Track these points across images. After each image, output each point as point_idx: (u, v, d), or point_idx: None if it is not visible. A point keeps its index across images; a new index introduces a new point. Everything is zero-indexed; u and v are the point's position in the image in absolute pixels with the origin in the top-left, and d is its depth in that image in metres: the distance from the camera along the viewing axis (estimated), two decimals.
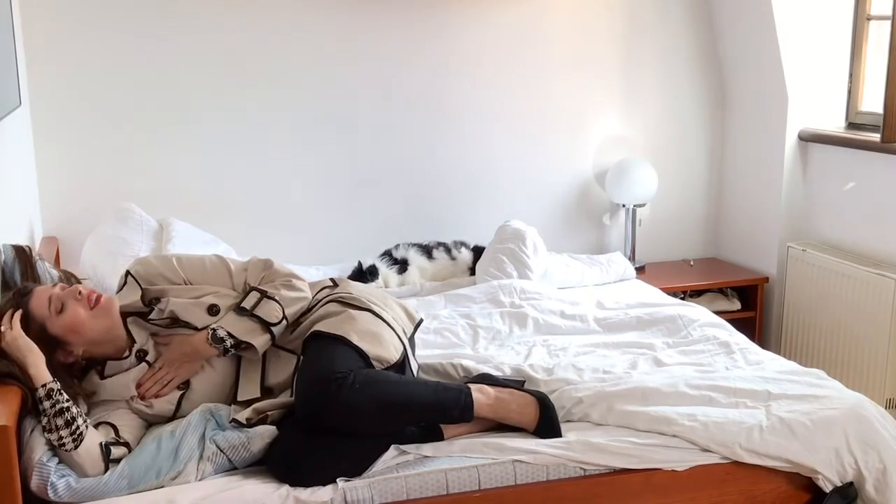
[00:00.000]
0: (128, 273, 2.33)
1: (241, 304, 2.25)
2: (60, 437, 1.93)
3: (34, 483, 1.90)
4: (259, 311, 2.24)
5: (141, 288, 2.29)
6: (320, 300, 2.37)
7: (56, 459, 1.95)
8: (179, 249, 3.11)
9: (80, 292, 2.14)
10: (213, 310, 2.26)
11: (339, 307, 2.30)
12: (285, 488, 1.97)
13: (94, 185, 3.47)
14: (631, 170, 3.85)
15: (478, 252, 3.63)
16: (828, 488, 2.15)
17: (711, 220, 4.19)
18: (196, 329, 2.24)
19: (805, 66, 3.64)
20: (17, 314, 2.06)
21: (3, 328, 2.02)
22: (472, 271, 3.56)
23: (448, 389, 2.18)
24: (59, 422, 1.94)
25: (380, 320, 2.29)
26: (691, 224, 4.18)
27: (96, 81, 3.43)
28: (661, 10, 3.94)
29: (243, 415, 2.11)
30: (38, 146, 3.40)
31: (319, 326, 2.23)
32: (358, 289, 2.44)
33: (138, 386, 2.21)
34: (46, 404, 1.95)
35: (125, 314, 2.25)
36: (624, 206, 3.96)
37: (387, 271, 3.45)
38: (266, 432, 2.06)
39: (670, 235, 4.14)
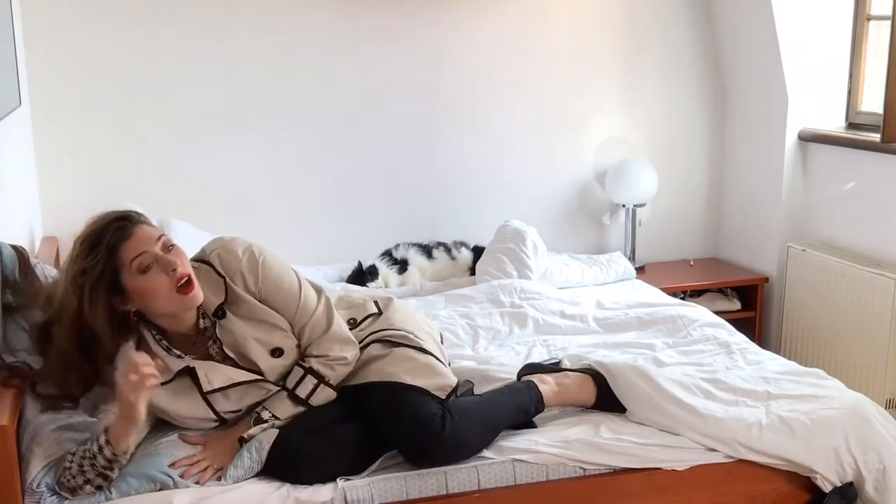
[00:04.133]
0: (207, 261, 2.12)
1: (296, 391, 2.11)
2: (86, 482, 1.88)
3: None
4: (314, 400, 2.12)
5: (225, 286, 2.09)
6: (364, 339, 2.25)
7: (49, 490, 1.89)
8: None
9: (174, 269, 1.97)
10: (276, 353, 2.13)
11: (383, 348, 2.22)
12: (286, 488, 1.98)
13: (94, 185, 3.47)
14: (631, 170, 3.85)
15: (478, 252, 3.63)
16: (827, 488, 2.15)
17: (711, 220, 4.19)
18: (249, 368, 2.10)
19: (805, 66, 3.64)
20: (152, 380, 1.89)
21: (147, 371, 1.87)
22: (472, 271, 3.56)
23: (519, 390, 2.24)
24: (93, 475, 1.88)
25: (426, 354, 2.22)
26: (691, 224, 4.17)
27: (96, 81, 3.43)
28: (662, 10, 3.94)
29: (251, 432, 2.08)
30: (38, 146, 3.40)
31: (371, 375, 2.16)
32: (401, 318, 2.32)
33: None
34: (100, 460, 1.87)
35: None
36: (624, 206, 3.96)
37: (387, 271, 3.45)
38: (268, 438, 2.05)
39: (670, 235, 4.14)
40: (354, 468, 2.04)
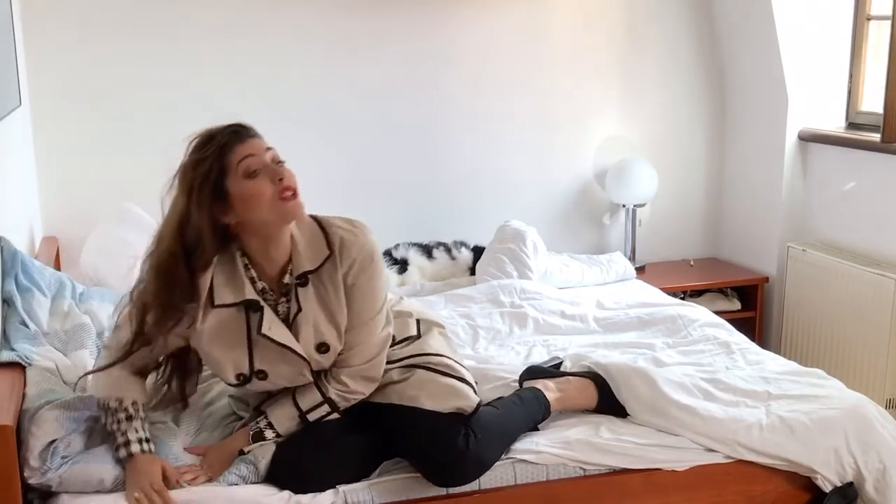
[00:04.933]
0: (326, 229, 2.07)
1: (307, 413, 2.06)
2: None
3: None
4: (317, 421, 2.07)
5: (325, 261, 2.03)
6: (394, 361, 2.17)
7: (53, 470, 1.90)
8: None
9: (281, 178, 1.95)
10: (321, 348, 2.06)
11: (405, 372, 2.15)
12: (287, 490, 1.98)
13: (94, 185, 3.47)
14: (631, 170, 3.85)
15: (478, 252, 3.63)
16: (827, 488, 2.15)
17: (711, 220, 4.19)
18: (288, 348, 2.03)
19: (805, 66, 3.64)
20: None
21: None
22: (472, 271, 3.56)
23: (530, 402, 2.24)
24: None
25: (448, 376, 2.14)
26: (691, 224, 4.17)
27: (96, 81, 3.43)
28: (661, 10, 3.94)
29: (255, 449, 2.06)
30: (38, 146, 3.40)
31: (393, 397, 2.11)
32: (437, 344, 2.24)
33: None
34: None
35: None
36: (624, 206, 3.96)
37: (387, 271, 3.45)
38: (266, 453, 2.03)
39: (670, 235, 4.14)
40: (356, 479, 2.04)
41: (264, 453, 2.03)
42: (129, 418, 1.98)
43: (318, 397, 2.07)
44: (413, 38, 3.71)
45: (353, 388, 2.09)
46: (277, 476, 2.01)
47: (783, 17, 3.59)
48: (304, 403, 2.07)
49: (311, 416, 2.07)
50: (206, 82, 3.53)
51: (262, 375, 2.05)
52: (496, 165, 3.89)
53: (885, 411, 2.30)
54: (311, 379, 2.08)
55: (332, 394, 2.07)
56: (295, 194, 1.97)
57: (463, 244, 3.67)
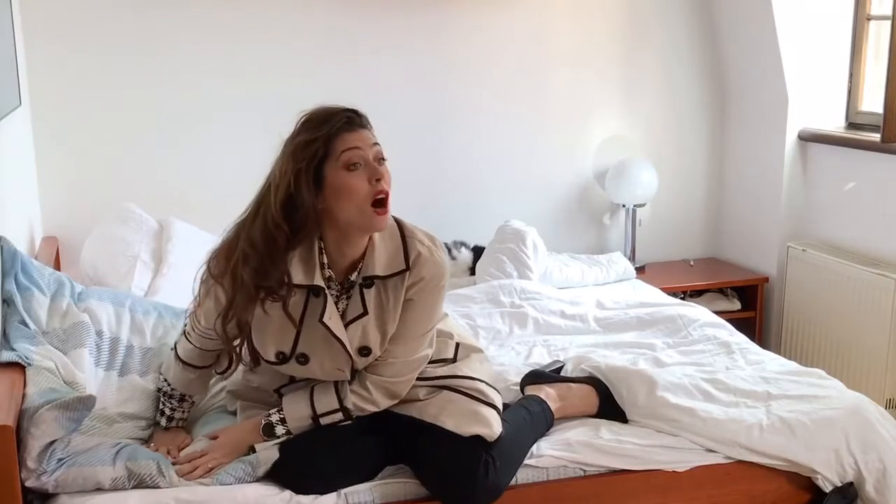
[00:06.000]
0: (407, 239, 2.05)
1: (320, 416, 2.04)
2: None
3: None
4: (329, 424, 2.06)
5: (398, 272, 2.03)
6: (423, 378, 2.14)
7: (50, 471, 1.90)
8: (179, 249, 3.12)
9: (378, 179, 1.94)
10: (363, 351, 2.05)
11: (430, 392, 2.13)
12: (288, 491, 1.97)
13: (94, 184, 3.47)
14: (631, 170, 3.85)
15: (478, 252, 3.63)
16: (827, 488, 2.15)
17: (711, 220, 4.19)
18: (340, 342, 2.03)
19: (805, 66, 3.64)
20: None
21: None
22: (472, 271, 3.56)
23: (537, 415, 2.22)
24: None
25: (474, 400, 2.10)
26: (691, 224, 4.17)
27: (96, 81, 3.43)
28: (661, 10, 3.94)
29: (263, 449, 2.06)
30: (38, 146, 3.40)
31: (413, 412, 2.09)
32: (473, 369, 2.20)
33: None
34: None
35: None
36: (624, 206, 3.95)
37: None
38: (269, 458, 2.02)
39: (670, 235, 4.14)
40: (358, 482, 2.03)
41: (266, 460, 2.02)
42: (180, 399, 2.22)
43: (335, 403, 2.05)
44: (413, 38, 3.71)
45: (373, 399, 2.07)
46: (279, 475, 2.00)
47: (783, 17, 3.58)
48: (320, 406, 2.05)
49: (324, 421, 2.06)
50: (206, 82, 3.53)
51: (303, 360, 2.04)
52: (496, 165, 3.89)
53: (885, 411, 2.30)
54: (348, 377, 2.06)
55: (349, 403, 2.05)
56: (385, 201, 1.96)
57: (463, 244, 3.67)
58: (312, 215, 1.95)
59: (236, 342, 2.08)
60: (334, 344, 2.02)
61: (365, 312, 2.03)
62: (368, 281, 2.03)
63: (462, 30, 3.76)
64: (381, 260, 2.03)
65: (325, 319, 2.00)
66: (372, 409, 2.08)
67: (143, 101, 3.48)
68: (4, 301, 2.25)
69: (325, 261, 2.03)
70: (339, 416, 2.06)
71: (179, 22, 3.47)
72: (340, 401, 2.05)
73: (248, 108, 3.60)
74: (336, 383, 2.07)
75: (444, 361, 2.19)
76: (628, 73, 3.97)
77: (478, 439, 2.01)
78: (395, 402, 2.10)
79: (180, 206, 3.48)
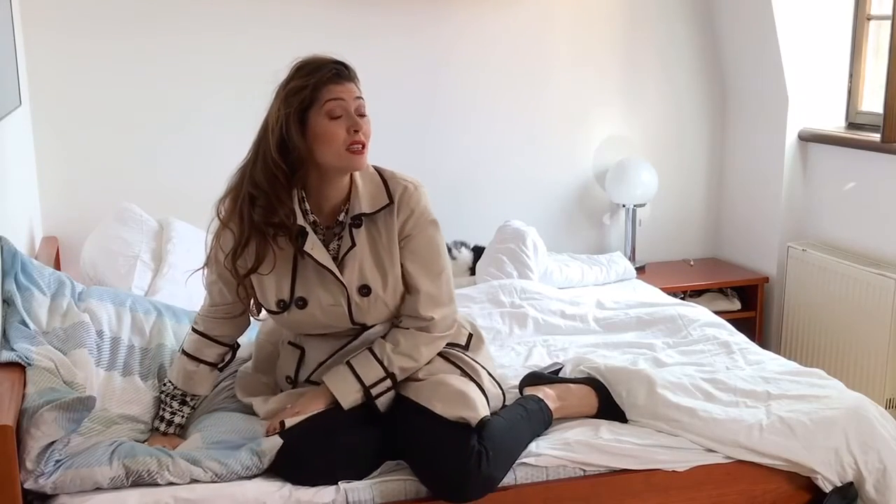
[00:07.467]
0: (386, 180, 2.19)
1: (370, 387, 2.09)
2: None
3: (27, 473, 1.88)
4: (375, 393, 2.10)
5: (383, 208, 2.13)
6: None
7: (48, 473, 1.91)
8: (179, 249, 3.12)
9: (357, 130, 2.06)
10: (363, 290, 2.13)
11: (427, 372, 2.17)
12: (287, 488, 1.97)
13: (94, 185, 3.47)
14: (631, 170, 3.85)
15: (478, 252, 3.63)
16: (827, 488, 2.15)
17: (711, 220, 4.19)
18: (327, 268, 2.10)
19: (805, 66, 3.64)
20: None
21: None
22: (472, 271, 3.57)
23: (534, 413, 2.23)
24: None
25: (471, 383, 2.15)
26: (691, 224, 4.18)
27: (96, 81, 3.43)
28: (661, 10, 3.94)
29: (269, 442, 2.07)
30: (38, 146, 3.40)
31: (410, 392, 2.12)
32: (483, 358, 2.27)
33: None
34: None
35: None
36: (624, 206, 3.96)
37: None
38: (274, 446, 2.03)
39: (670, 235, 4.14)
40: (358, 474, 2.03)
41: (270, 448, 2.02)
42: (182, 402, 2.25)
43: (381, 371, 2.10)
44: (412, 37, 3.71)
45: (413, 354, 2.12)
46: (278, 466, 2.01)
47: (783, 17, 3.59)
48: (368, 378, 2.10)
49: (375, 391, 2.10)
50: (206, 81, 3.53)
51: (302, 303, 2.12)
52: (496, 165, 3.89)
53: (885, 411, 2.30)
54: (345, 310, 2.12)
55: (395, 368, 2.11)
56: (363, 149, 2.08)
57: (463, 244, 3.67)
58: (305, 156, 2.06)
59: (246, 282, 2.15)
60: (326, 277, 2.11)
61: (353, 245, 2.12)
62: (357, 220, 2.13)
63: (462, 29, 3.76)
64: (366, 199, 2.14)
65: (307, 249, 2.09)
66: (413, 365, 2.13)
67: (144, 102, 3.48)
68: (4, 301, 2.25)
69: (308, 207, 2.14)
70: (388, 383, 2.11)
71: (179, 21, 3.47)
72: (385, 368, 2.11)
73: (248, 108, 3.58)
74: (374, 353, 2.12)
75: (456, 346, 2.26)
76: (628, 73, 3.97)
77: (469, 428, 2.03)
78: (434, 353, 2.16)
79: (180, 206, 3.48)
